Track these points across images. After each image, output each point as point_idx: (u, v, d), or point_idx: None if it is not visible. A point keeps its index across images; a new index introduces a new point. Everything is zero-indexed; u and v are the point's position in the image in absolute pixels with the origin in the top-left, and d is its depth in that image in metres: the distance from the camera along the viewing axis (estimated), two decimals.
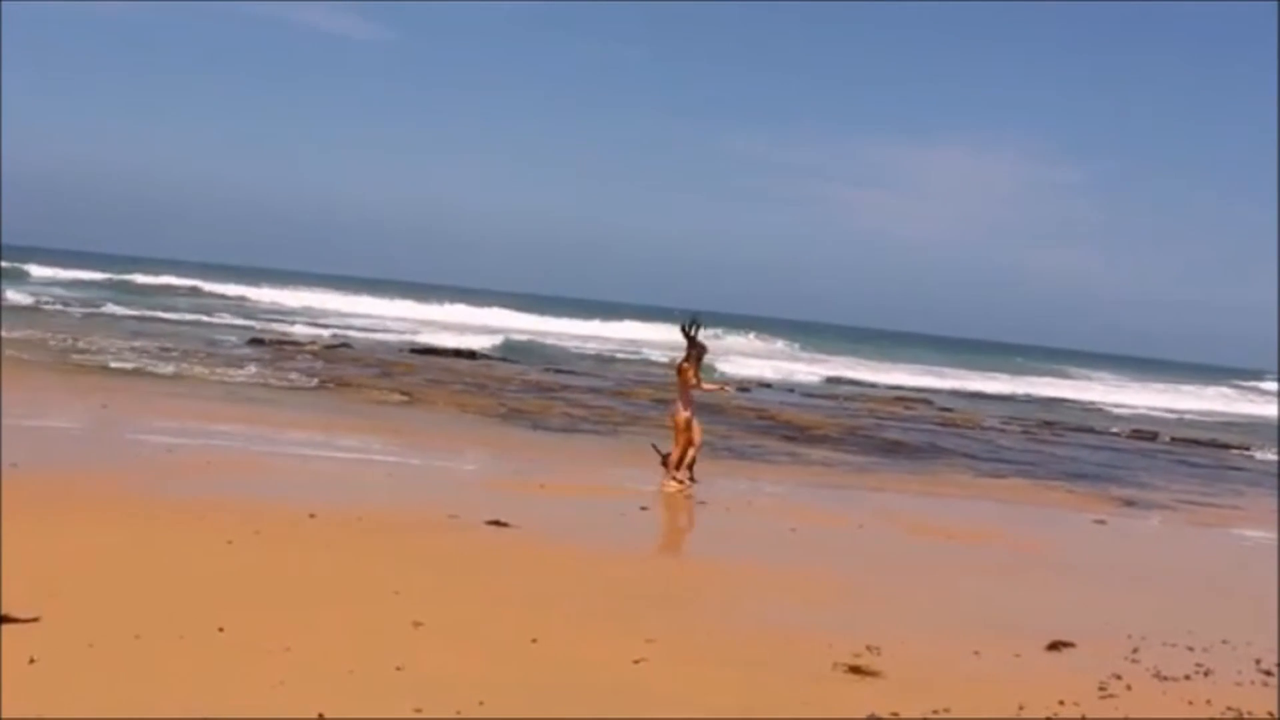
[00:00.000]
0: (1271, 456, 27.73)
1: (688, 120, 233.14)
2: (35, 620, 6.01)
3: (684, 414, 13.19)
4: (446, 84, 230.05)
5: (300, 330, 38.04)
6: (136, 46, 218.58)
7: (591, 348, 43.05)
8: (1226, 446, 29.18)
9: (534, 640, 6.55)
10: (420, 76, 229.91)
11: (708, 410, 23.68)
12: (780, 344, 62.79)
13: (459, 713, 5.29)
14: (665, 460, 13.37)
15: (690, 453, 13.23)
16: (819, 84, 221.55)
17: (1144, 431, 30.73)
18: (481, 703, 5.43)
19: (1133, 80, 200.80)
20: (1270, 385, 69.01)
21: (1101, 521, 14.05)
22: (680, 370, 13.34)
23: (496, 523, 9.88)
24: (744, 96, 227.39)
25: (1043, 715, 5.85)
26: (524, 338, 43.22)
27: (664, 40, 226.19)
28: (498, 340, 39.63)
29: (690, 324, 13.48)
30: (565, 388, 26.49)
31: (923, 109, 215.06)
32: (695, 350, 13.39)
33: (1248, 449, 28.95)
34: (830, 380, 40.43)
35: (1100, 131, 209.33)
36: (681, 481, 13.07)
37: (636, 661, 6.34)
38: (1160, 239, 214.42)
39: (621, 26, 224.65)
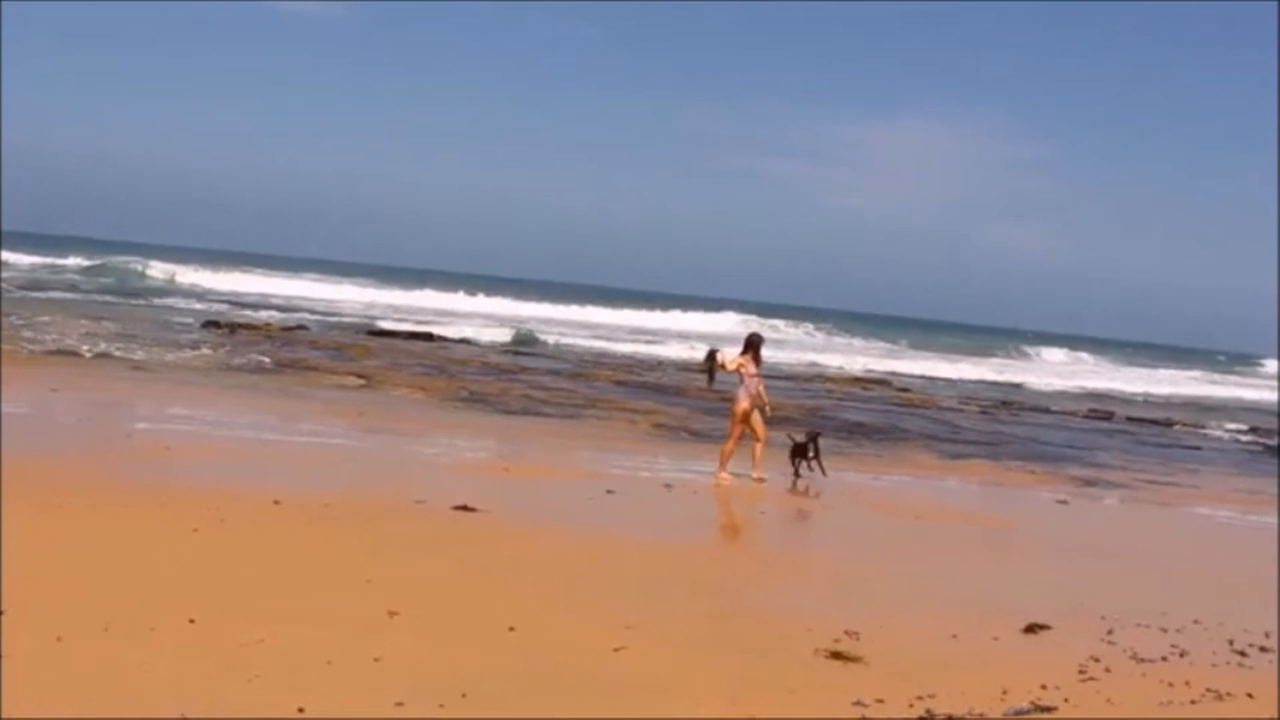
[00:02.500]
0: (1219, 433, 28.19)
1: (647, 100, 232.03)
2: None
3: (743, 405, 13.43)
4: (399, 62, 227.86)
5: (255, 314, 37.48)
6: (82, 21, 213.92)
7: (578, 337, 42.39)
8: (1177, 425, 29.59)
9: (511, 628, 6.46)
10: (370, 54, 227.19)
11: (669, 392, 23.73)
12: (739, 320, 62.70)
13: (442, 706, 5.18)
14: (794, 450, 13.92)
15: (756, 448, 13.47)
16: (780, 61, 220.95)
17: (1100, 411, 31.04)
18: (464, 695, 5.32)
19: (1096, 58, 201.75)
20: (1267, 370, 68.46)
21: (1064, 501, 14.17)
22: (738, 366, 13.58)
23: (464, 507, 9.76)
24: (706, 74, 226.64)
25: (1026, 700, 5.83)
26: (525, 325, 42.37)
27: (621, 18, 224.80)
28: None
29: (754, 341, 13.88)
30: (524, 370, 26.34)
31: (884, 87, 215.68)
32: (753, 351, 13.71)
33: (1200, 427, 29.37)
34: (796, 364, 40.34)
35: (1065, 110, 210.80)
36: (743, 476, 13.30)
37: (617, 649, 6.26)
38: (1136, 220, 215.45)
39: (577, 4, 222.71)
